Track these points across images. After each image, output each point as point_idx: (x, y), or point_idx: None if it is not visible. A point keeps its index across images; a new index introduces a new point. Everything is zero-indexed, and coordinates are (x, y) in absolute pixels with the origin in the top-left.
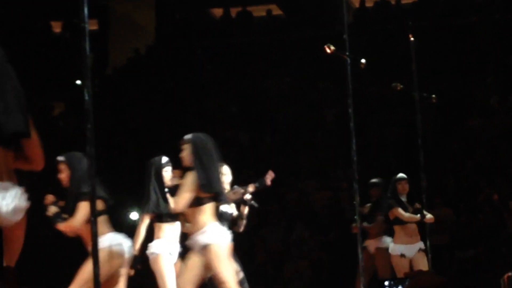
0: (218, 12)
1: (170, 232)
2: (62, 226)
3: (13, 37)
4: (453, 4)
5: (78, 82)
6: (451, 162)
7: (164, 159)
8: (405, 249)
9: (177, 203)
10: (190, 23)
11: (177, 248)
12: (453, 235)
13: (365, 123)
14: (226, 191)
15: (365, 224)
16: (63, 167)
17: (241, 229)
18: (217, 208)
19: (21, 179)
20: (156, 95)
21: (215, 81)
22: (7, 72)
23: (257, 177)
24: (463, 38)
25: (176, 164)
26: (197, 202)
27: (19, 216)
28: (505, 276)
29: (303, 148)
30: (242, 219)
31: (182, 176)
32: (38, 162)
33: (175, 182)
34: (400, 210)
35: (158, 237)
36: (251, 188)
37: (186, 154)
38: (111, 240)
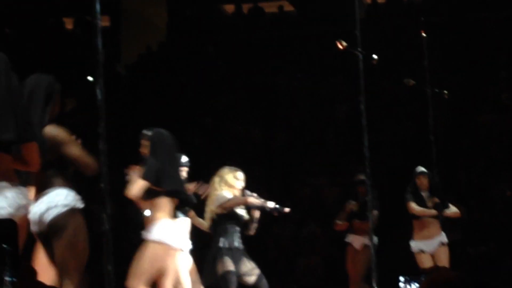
0: (229, 8)
1: (181, 228)
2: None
3: (26, 33)
4: None
5: (90, 78)
6: (463, 158)
7: (184, 158)
8: (423, 245)
9: (129, 189)
10: (201, 19)
11: (188, 245)
12: (465, 231)
13: (377, 119)
14: (237, 195)
15: (357, 221)
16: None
17: (253, 232)
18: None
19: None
20: (167, 92)
21: (226, 77)
22: (4, 83)
23: (269, 173)
24: (474, 34)
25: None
26: (148, 195)
27: (22, 212)
28: None
29: (314, 144)
30: (253, 222)
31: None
32: (34, 165)
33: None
34: (412, 205)
35: None
36: (270, 205)
37: (147, 150)
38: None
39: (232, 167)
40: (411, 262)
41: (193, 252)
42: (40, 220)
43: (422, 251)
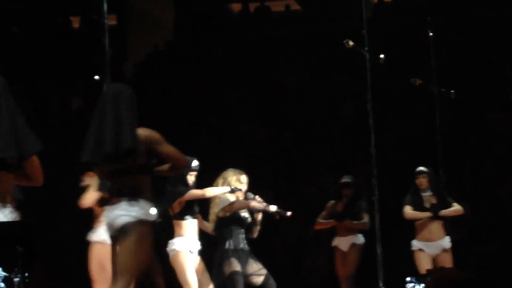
0: (236, 7)
1: (190, 229)
2: None
3: (33, 32)
4: None
5: (97, 77)
6: (470, 157)
7: (195, 162)
8: (424, 245)
9: (83, 199)
10: (208, 18)
11: (197, 245)
12: (472, 230)
13: (383, 118)
14: (240, 197)
15: (355, 222)
16: None
17: (256, 235)
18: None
19: None
20: (174, 91)
21: (233, 76)
22: (5, 106)
23: (275, 172)
24: (481, 33)
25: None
26: (104, 202)
27: None
28: None
29: (321, 143)
30: (256, 225)
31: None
32: (37, 180)
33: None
34: (405, 208)
35: (179, 235)
36: (272, 208)
37: None
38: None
39: (236, 170)
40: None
41: (202, 253)
42: (112, 225)
43: (421, 250)
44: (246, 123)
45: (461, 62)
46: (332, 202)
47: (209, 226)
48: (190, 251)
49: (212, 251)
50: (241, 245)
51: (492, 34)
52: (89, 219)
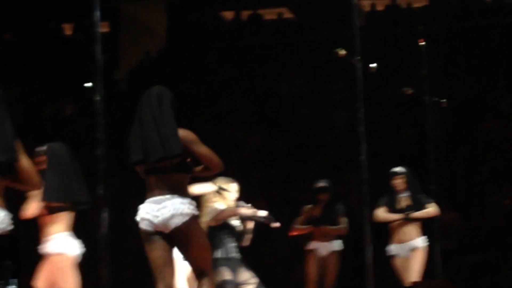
0: (229, 15)
1: None
2: None
3: (25, 38)
4: (464, 7)
5: (89, 84)
6: (462, 166)
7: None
8: (398, 249)
9: (26, 210)
10: (201, 25)
11: None
12: (464, 239)
13: (376, 126)
14: (231, 205)
15: (332, 227)
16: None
17: (247, 243)
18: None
19: None
20: None
21: (226, 83)
22: None
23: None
24: (474, 42)
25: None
26: (51, 210)
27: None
28: None
29: (314, 151)
30: (247, 233)
31: None
32: (33, 184)
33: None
34: (376, 211)
35: None
36: (261, 214)
37: (45, 165)
38: None
39: (228, 178)
40: None
41: None
42: (163, 224)
43: (396, 255)
44: (240, 131)
45: (453, 71)
46: (308, 207)
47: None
48: (181, 258)
49: None
50: (232, 254)
51: (484, 43)
52: (77, 228)
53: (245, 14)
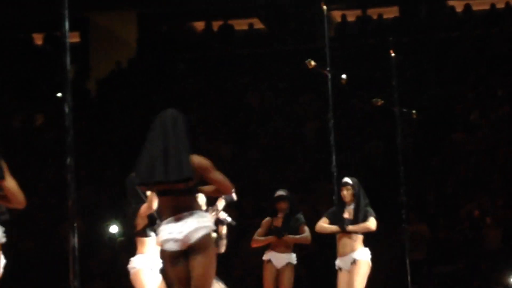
0: (200, 25)
1: (152, 247)
2: None
3: None
4: (434, 19)
5: (59, 94)
6: (432, 177)
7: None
8: (340, 262)
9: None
10: (171, 36)
11: (159, 264)
12: (433, 250)
13: (346, 137)
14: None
15: (291, 236)
16: None
17: (223, 249)
18: None
19: None
20: (137, 108)
21: (197, 94)
22: None
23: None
24: (444, 54)
25: None
26: None
27: None
28: None
29: (284, 162)
30: (221, 239)
31: None
32: (17, 202)
33: None
34: (319, 222)
35: (140, 252)
36: (219, 203)
37: None
38: None
39: None
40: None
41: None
42: (183, 239)
43: (339, 269)
44: (210, 142)
45: (423, 83)
46: (267, 218)
47: None
48: (151, 269)
49: None
50: None
51: (454, 55)
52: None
53: (216, 24)
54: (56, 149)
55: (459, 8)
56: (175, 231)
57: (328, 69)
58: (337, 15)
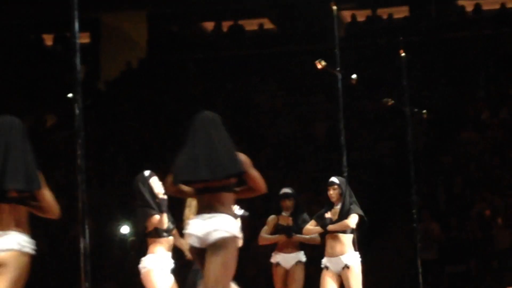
0: (209, 25)
1: (163, 247)
2: None
3: (5, 49)
4: (444, 19)
5: (70, 95)
6: (443, 177)
7: (147, 172)
8: (329, 262)
9: None
10: (182, 36)
11: (170, 264)
12: (444, 250)
13: (356, 137)
14: None
15: (300, 236)
16: None
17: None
18: None
19: None
20: (147, 108)
21: (207, 94)
22: (21, 146)
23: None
24: (454, 53)
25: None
26: None
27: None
28: None
29: (294, 162)
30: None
31: None
32: (52, 213)
33: None
34: (306, 225)
35: (151, 252)
36: (238, 212)
37: None
38: None
39: None
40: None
41: (177, 272)
42: (202, 237)
43: (326, 267)
44: None
45: (433, 82)
46: (273, 216)
47: (185, 243)
48: (162, 269)
49: (188, 270)
50: None
51: (464, 54)
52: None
53: (226, 25)
54: (66, 150)
55: (469, 8)
56: (199, 228)
57: (338, 69)
58: (347, 15)
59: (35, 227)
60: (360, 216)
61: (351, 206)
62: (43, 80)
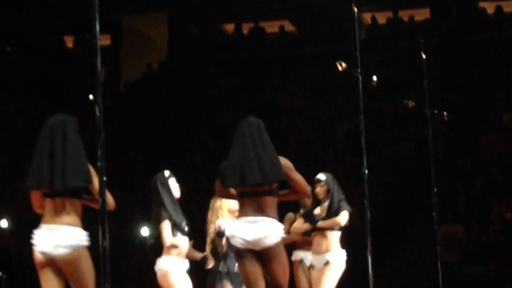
0: (230, 27)
1: (179, 248)
2: None
3: (27, 51)
4: (465, 20)
5: (91, 96)
6: (463, 179)
7: (167, 172)
8: (305, 255)
9: None
10: (202, 38)
11: (185, 265)
12: (464, 252)
13: (377, 139)
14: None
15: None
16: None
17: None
18: None
19: None
20: (168, 110)
21: (227, 96)
22: (80, 145)
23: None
24: (475, 55)
25: (185, 178)
26: None
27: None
28: None
29: (315, 164)
30: (218, 253)
31: None
32: (107, 205)
33: None
34: (294, 224)
35: (167, 253)
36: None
37: None
38: None
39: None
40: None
41: (196, 274)
42: (252, 242)
43: (312, 266)
44: None
45: (454, 84)
46: (290, 214)
47: (196, 254)
48: (178, 270)
49: (206, 271)
50: (235, 269)
51: (485, 56)
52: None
53: (246, 27)
54: (87, 152)
55: (490, 10)
56: (247, 232)
57: (359, 70)
58: (368, 17)
59: None
60: (349, 213)
61: (341, 204)
62: (64, 82)
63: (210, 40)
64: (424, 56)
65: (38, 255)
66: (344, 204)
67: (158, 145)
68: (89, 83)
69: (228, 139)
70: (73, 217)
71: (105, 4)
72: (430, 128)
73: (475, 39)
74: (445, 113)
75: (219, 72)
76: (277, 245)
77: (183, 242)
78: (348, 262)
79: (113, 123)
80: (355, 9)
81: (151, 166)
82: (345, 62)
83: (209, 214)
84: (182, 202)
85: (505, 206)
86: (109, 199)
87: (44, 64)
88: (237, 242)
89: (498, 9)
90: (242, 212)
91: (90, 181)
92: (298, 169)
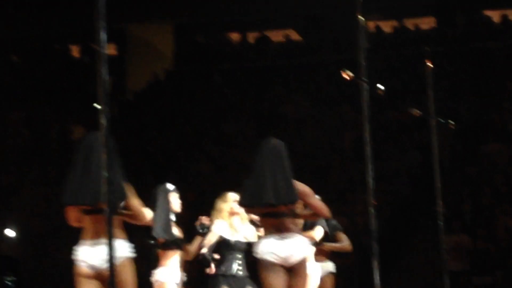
0: (236, 37)
1: (174, 259)
2: None
3: (32, 60)
4: (471, 29)
5: (97, 106)
6: (469, 188)
7: (171, 186)
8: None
9: None
10: (208, 47)
11: (181, 276)
12: (471, 261)
13: (382, 148)
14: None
15: (336, 244)
16: None
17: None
18: None
19: None
20: (174, 120)
21: (233, 105)
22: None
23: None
24: (481, 64)
25: (190, 187)
26: None
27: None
28: None
29: (320, 173)
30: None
31: None
32: (141, 219)
33: None
34: None
35: (163, 265)
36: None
37: None
38: None
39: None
40: None
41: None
42: (284, 257)
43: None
44: (246, 152)
45: (460, 93)
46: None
47: (191, 251)
48: (175, 283)
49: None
50: (233, 271)
51: (491, 65)
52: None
53: (252, 36)
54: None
55: (496, 18)
56: (277, 248)
57: (364, 79)
58: (373, 25)
59: (64, 237)
60: (324, 229)
61: (335, 222)
62: (69, 91)
63: (216, 49)
64: (429, 65)
65: (85, 269)
66: (336, 222)
67: (163, 154)
68: (95, 92)
69: (234, 148)
70: (115, 230)
71: (111, 13)
72: (436, 137)
73: (481, 48)
74: (450, 122)
75: (224, 81)
76: (304, 260)
77: (177, 256)
78: (354, 271)
79: (118, 132)
80: (361, 18)
81: (156, 175)
82: (351, 71)
83: (215, 213)
84: (188, 210)
85: (509, 216)
86: (142, 213)
87: (50, 73)
88: (270, 257)
89: (504, 17)
90: (268, 231)
91: (124, 197)
92: (304, 177)
